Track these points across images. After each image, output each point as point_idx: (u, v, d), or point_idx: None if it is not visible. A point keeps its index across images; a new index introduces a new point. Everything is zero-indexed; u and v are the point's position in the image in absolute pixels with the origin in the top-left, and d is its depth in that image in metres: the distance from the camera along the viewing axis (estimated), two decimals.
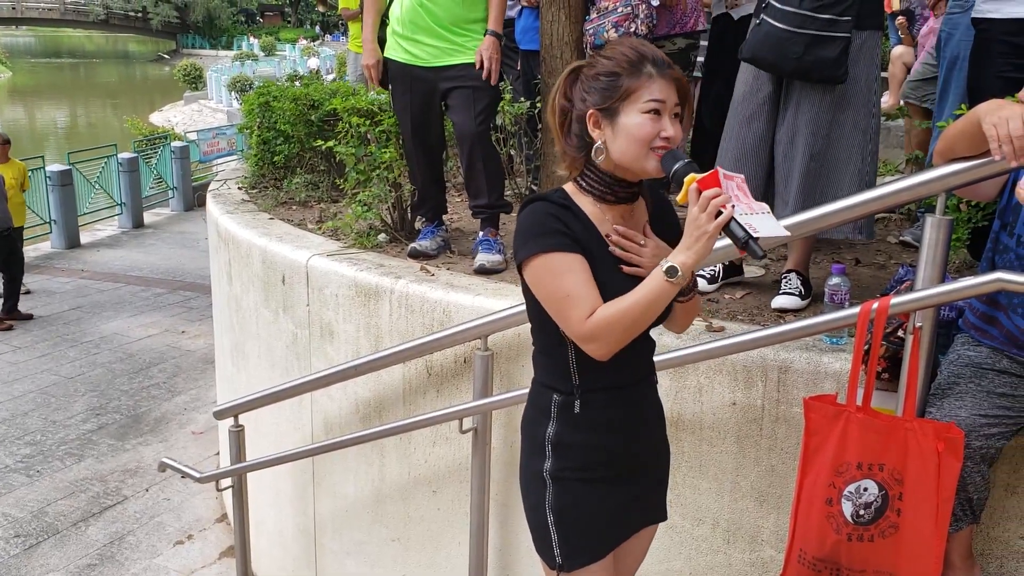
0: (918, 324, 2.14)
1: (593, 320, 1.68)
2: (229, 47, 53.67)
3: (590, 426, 1.84)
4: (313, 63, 28.91)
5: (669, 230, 1.90)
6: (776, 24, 2.83)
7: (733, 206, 1.61)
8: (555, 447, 1.85)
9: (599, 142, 1.76)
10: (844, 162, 2.91)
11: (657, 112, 1.71)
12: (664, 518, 2.06)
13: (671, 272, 1.64)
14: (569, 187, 1.83)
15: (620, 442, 1.88)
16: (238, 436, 3.69)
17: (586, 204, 1.80)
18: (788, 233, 1.72)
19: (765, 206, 1.69)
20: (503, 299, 2.93)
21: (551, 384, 1.87)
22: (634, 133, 1.71)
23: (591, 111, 1.75)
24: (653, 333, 1.89)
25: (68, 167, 11.41)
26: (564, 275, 1.71)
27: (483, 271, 3.31)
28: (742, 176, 1.70)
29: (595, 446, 1.85)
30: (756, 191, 3.03)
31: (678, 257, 1.64)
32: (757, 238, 1.61)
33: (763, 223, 1.65)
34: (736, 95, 3.10)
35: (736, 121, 3.08)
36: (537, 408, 1.89)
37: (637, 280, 1.78)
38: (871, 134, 2.95)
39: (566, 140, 1.83)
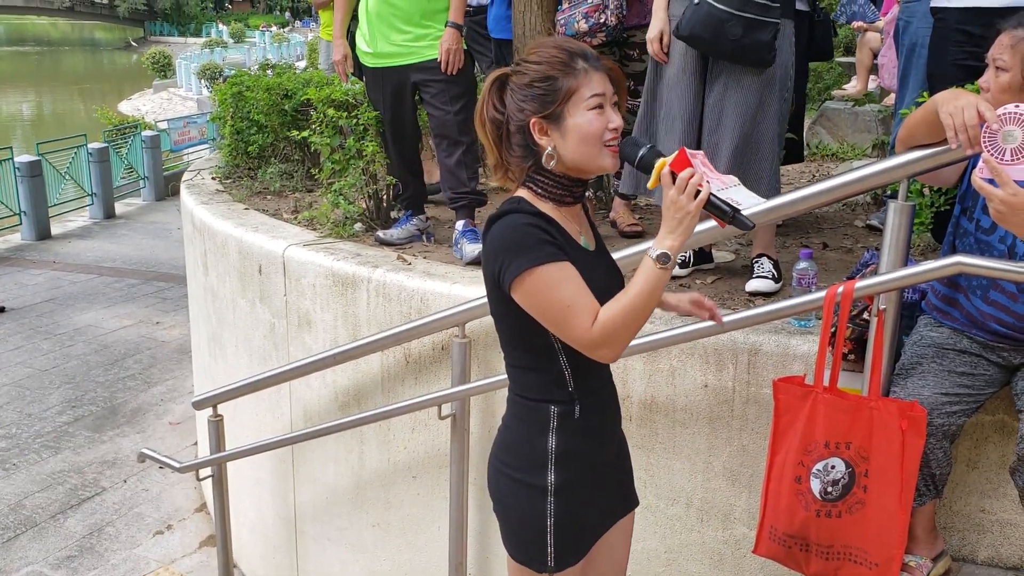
0: (882, 307, 2.21)
1: (599, 325, 1.65)
2: (198, 34, 53.01)
3: (588, 430, 1.84)
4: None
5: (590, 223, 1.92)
6: (717, 5, 2.90)
7: (708, 182, 1.63)
8: (559, 458, 1.81)
9: (549, 148, 1.73)
10: (767, 143, 3.04)
11: (600, 106, 1.72)
12: (637, 503, 2.09)
13: (663, 259, 1.63)
14: (526, 195, 1.79)
15: (604, 443, 1.91)
16: (217, 426, 3.70)
17: (549, 210, 1.77)
18: (764, 201, 1.76)
19: (734, 179, 1.71)
20: (480, 287, 2.97)
21: (546, 397, 1.82)
22: (585, 131, 1.71)
23: (533, 120, 1.73)
24: None
25: (37, 158, 11.22)
26: (561, 286, 1.67)
27: (478, 262, 3.34)
28: (703, 152, 1.72)
29: (592, 450, 1.86)
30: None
31: (665, 242, 1.64)
32: (741, 210, 1.64)
33: (741, 196, 1.66)
34: (668, 72, 3.16)
35: (665, 96, 3.17)
36: (530, 424, 1.84)
37: (616, 277, 1.80)
38: (782, 117, 3.11)
39: (507, 151, 1.80)
